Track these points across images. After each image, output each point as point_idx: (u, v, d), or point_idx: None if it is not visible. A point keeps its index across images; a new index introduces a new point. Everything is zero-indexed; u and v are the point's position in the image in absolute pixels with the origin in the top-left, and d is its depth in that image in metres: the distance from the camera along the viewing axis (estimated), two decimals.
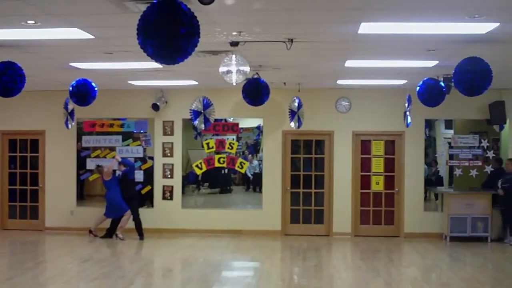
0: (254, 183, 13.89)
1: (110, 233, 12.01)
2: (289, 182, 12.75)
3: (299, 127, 11.60)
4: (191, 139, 13.54)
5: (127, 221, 11.88)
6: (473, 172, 12.31)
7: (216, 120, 11.75)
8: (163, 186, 12.85)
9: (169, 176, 12.83)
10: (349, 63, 8.77)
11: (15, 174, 13.36)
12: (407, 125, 11.11)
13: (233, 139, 13.17)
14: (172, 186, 12.83)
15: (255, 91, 8.50)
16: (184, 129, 12.91)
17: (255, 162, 13.85)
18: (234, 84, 6.97)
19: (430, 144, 13.15)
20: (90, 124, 12.96)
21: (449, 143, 12.71)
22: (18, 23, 5.90)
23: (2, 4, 5.17)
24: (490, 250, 11.36)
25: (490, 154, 12.35)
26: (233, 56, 6.76)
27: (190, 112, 10.36)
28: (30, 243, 12.02)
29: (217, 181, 14.35)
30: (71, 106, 10.87)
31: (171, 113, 12.79)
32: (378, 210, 12.66)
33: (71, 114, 11.06)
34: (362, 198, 12.67)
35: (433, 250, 11.23)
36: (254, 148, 14.15)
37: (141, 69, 9.44)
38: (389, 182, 12.63)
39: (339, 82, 11.29)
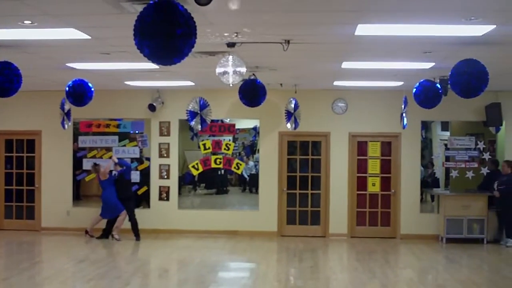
0: (250, 184, 13.89)
1: (106, 233, 12.00)
2: (285, 183, 12.76)
3: (295, 128, 11.60)
4: (187, 139, 13.53)
5: (123, 221, 11.88)
6: (469, 174, 12.34)
7: (212, 121, 11.75)
8: (160, 187, 12.83)
9: (165, 176, 12.82)
10: (345, 65, 8.78)
11: (11, 174, 13.33)
12: (404, 127, 11.12)
13: (230, 140, 13.17)
14: (168, 187, 12.82)
15: (251, 92, 8.51)
16: (180, 130, 12.91)
17: (251, 163, 13.84)
18: (231, 85, 6.98)
19: (426, 145, 13.17)
20: (86, 124, 12.94)
21: (446, 145, 12.74)
22: (15, 23, 5.89)
23: None
24: (486, 252, 11.37)
25: (486, 156, 12.38)
26: (230, 57, 6.76)
27: (187, 113, 10.35)
28: (26, 243, 12.00)
29: (213, 182, 14.34)
30: (67, 106, 10.85)
31: (168, 114, 12.78)
32: (374, 211, 12.67)
33: (68, 114, 11.04)
34: (359, 199, 12.68)
35: (429, 252, 11.25)
36: (251, 149, 14.15)
37: (138, 70, 9.44)
38: (386, 183, 12.65)
39: (336, 83, 11.30)
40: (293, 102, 11.39)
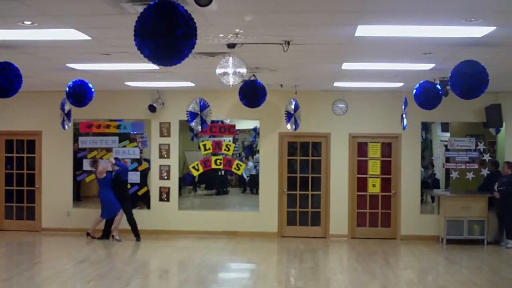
0: (250, 184, 13.89)
1: (106, 233, 12.01)
2: (285, 184, 12.75)
3: (295, 129, 11.60)
4: (187, 140, 13.55)
5: (120, 221, 11.87)
6: (470, 175, 12.34)
7: (212, 121, 11.75)
8: (160, 188, 12.83)
9: (165, 177, 12.82)
10: (346, 66, 8.78)
11: (12, 175, 13.33)
12: (404, 128, 11.11)
13: (230, 141, 13.17)
14: (168, 188, 12.82)
15: (251, 93, 8.51)
16: (180, 131, 12.91)
17: (250, 164, 13.85)
18: (231, 86, 6.98)
19: (426, 146, 13.18)
20: (86, 125, 12.95)
21: (446, 146, 12.74)
22: (15, 24, 5.89)
23: None
24: (487, 253, 11.37)
25: (487, 157, 12.38)
26: (230, 58, 6.76)
27: (187, 114, 10.35)
28: (26, 244, 12.00)
29: (213, 182, 14.36)
30: (67, 107, 10.85)
31: (168, 115, 12.78)
32: (374, 212, 12.67)
33: (68, 115, 11.04)
34: (359, 200, 12.68)
35: (430, 253, 11.24)
36: (250, 150, 14.15)
37: (138, 71, 9.44)
38: (386, 184, 12.65)
39: (336, 84, 11.30)
40: (293, 103, 11.39)
